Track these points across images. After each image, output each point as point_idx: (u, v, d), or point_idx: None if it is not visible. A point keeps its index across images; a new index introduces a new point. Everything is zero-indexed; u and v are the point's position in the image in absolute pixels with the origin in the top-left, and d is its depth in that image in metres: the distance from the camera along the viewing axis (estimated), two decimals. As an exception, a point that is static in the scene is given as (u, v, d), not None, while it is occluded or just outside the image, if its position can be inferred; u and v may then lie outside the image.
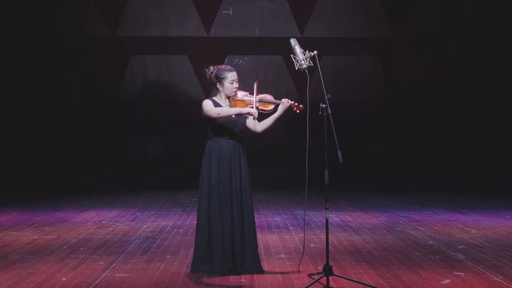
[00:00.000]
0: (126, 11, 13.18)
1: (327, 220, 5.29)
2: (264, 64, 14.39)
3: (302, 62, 5.36)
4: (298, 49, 5.40)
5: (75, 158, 14.01)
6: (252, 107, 5.56)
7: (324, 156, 5.20)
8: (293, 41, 5.46)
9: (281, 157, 14.11)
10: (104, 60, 14.25)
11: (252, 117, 5.50)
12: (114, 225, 8.29)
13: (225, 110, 5.56)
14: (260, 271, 5.62)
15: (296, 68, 5.43)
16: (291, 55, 5.44)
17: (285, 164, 14.09)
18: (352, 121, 13.89)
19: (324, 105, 5.20)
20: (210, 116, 5.55)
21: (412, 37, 14.37)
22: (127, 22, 14.24)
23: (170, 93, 14.38)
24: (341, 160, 5.05)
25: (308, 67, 5.39)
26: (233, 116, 5.63)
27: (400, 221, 8.58)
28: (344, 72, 14.35)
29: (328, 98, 5.23)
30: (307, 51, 5.38)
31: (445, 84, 14.30)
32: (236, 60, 14.29)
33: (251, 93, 5.65)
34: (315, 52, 5.35)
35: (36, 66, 14.07)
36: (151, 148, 14.36)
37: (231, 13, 14.32)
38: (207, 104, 5.59)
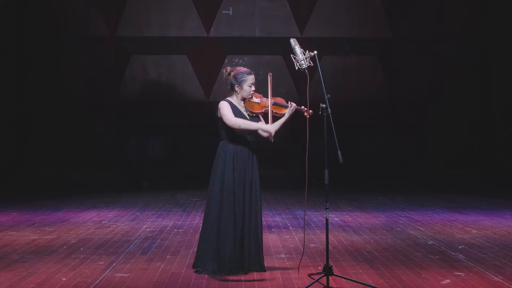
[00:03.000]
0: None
1: (327, 220, 5.29)
2: (264, 64, 14.39)
3: (302, 62, 5.36)
4: (298, 49, 5.40)
5: (75, 158, 14.02)
6: (267, 110, 5.58)
7: (324, 156, 5.20)
8: (293, 41, 5.45)
9: (281, 157, 14.11)
10: (104, 60, 14.26)
11: (267, 134, 5.52)
12: (114, 225, 8.28)
13: (247, 124, 5.54)
14: (263, 269, 5.63)
15: (296, 68, 5.43)
16: (291, 55, 5.44)
17: (285, 164, 14.09)
18: (352, 121, 13.89)
19: (324, 105, 5.20)
20: (228, 125, 5.55)
21: (412, 37, 14.38)
22: (127, 22, 14.25)
23: (170, 93, 14.39)
24: (341, 160, 5.05)
25: (308, 67, 5.39)
26: (248, 118, 5.64)
27: (400, 221, 8.58)
28: (344, 72, 14.36)
29: (328, 98, 5.23)
30: (307, 51, 5.38)
31: (445, 84, 14.31)
32: (236, 60, 14.29)
33: (265, 96, 5.66)
34: (315, 52, 5.35)
35: (36, 66, 14.08)
36: (151, 148, 14.35)
37: (231, 13, 14.32)
38: (226, 109, 5.57)
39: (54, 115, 14.08)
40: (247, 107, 5.66)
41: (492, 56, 14.27)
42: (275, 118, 5.63)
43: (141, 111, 14.31)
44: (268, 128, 5.52)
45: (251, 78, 5.65)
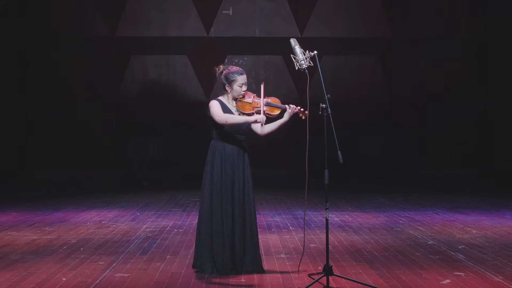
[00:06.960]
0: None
1: (327, 220, 5.29)
2: (264, 64, 14.38)
3: (302, 62, 5.36)
4: (298, 49, 5.40)
5: (75, 158, 14.01)
6: (259, 111, 5.53)
7: (324, 156, 5.20)
8: (293, 41, 5.45)
9: (281, 157, 14.10)
10: (104, 60, 14.25)
11: (258, 123, 5.50)
12: (114, 225, 8.29)
13: (234, 118, 5.52)
14: (261, 271, 5.62)
15: (296, 68, 5.43)
16: (291, 55, 5.44)
17: (285, 164, 14.09)
18: (352, 121, 13.89)
19: (324, 105, 5.20)
20: (217, 121, 5.54)
21: (412, 37, 14.38)
22: (127, 22, 14.24)
23: (170, 93, 14.38)
24: (341, 160, 5.05)
25: (308, 67, 5.39)
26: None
27: (400, 221, 8.58)
28: (344, 72, 14.35)
29: (328, 98, 5.23)
30: (307, 51, 5.38)
31: (445, 84, 14.30)
32: (236, 60, 14.28)
33: (258, 96, 5.63)
34: (315, 52, 5.35)
35: (36, 66, 14.08)
36: (151, 148, 14.35)
37: (231, 13, 14.32)
38: (215, 107, 5.55)
39: (54, 115, 14.07)
40: (238, 108, 5.64)
41: (492, 56, 14.27)
42: (268, 119, 5.60)
43: (141, 111, 14.30)
44: (255, 117, 5.46)
45: (241, 78, 5.60)
